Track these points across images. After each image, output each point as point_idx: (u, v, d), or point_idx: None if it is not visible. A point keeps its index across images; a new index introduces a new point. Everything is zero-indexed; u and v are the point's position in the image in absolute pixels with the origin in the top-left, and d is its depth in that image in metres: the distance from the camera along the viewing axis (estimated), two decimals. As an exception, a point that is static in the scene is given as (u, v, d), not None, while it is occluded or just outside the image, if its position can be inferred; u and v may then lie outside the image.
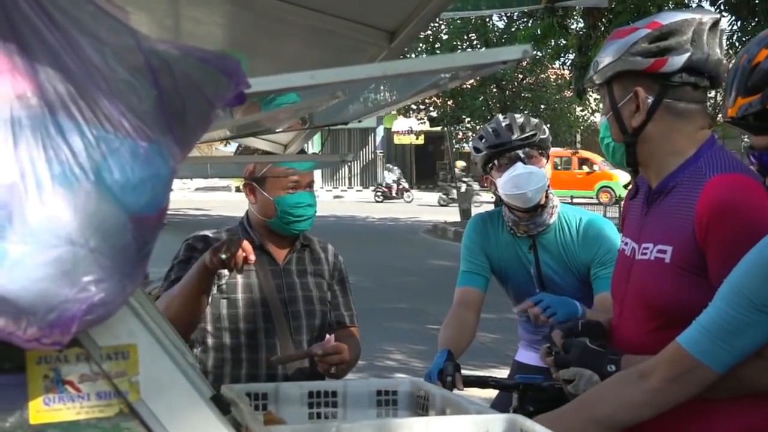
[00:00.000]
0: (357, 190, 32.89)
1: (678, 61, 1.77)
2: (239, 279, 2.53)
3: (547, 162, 2.90)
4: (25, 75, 0.95)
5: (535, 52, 16.17)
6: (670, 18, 1.81)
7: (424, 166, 36.21)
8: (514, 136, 2.82)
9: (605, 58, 1.84)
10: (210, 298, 2.49)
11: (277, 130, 2.57)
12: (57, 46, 0.98)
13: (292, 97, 1.85)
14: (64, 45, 0.98)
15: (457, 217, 19.94)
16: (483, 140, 2.91)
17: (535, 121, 2.93)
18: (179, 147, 1.05)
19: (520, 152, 2.82)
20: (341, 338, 2.55)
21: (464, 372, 2.64)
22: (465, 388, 2.59)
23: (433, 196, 30.53)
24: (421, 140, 34.52)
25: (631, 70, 1.80)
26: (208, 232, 2.60)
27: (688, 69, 1.78)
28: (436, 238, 18.40)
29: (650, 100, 1.80)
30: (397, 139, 34.92)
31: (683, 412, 1.70)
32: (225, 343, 2.53)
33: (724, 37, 1.89)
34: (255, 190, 2.60)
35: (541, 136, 2.87)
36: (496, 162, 2.87)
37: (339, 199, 27.93)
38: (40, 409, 1.07)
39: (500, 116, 2.95)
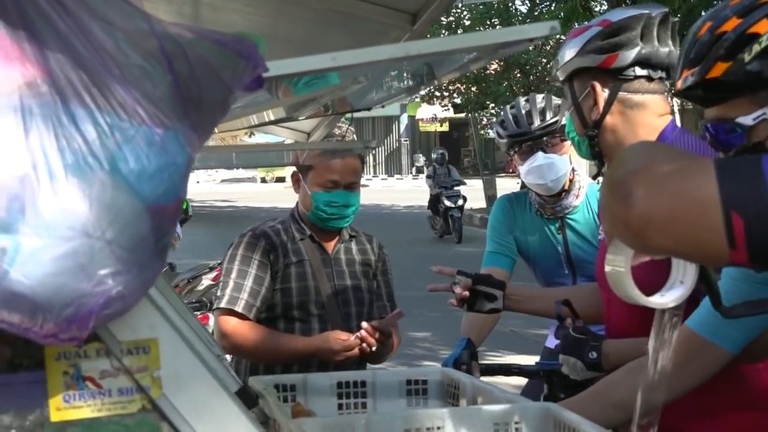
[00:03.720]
0: (382, 179, 32.88)
1: (628, 55, 1.85)
2: (293, 269, 2.56)
3: (570, 145, 2.83)
4: (35, 62, 0.92)
5: (558, 36, 16.01)
6: (619, 15, 1.90)
7: (449, 152, 36.04)
8: (534, 125, 2.75)
9: (565, 55, 1.92)
10: (264, 288, 2.52)
11: (300, 118, 2.53)
12: (68, 31, 0.94)
13: (324, 80, 1.81)
14: (75, 30, 0.94)
15: (482, 204, 19.82)
16: (504, 126, 2.85)
17: (557, 102, 2.84)
18: (196, 134, 1.01)
19: (541, 141, 2.76)
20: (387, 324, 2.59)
21: (486, 361, 2.60)
22: (489, 377, 2.57)
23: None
24: (445, 127, 34.36)
25: (587, 66, 1.88)
26: (266, 227, 2.62)
27: (639, 62, 1.86)
28: (463, 224, 18.31)
29: (606, 93, 1.88)
30: (422, 127, 34.80)
31: (687, 409, 1.68)
32: (279, 329, 2.55)
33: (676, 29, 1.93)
34: (299, 181, 2.64)
35: (563, 122, 2.80)
36: (517, 149, 2.81)
37: (364, 188, 27.83)
38: (61, 407, 1.04)
39: (522, 100, 2.86)
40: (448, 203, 15.26)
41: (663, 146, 1.01)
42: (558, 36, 16.52)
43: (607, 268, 1.01)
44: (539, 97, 2.84)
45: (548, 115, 2.76)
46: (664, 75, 1.90)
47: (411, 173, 34.37)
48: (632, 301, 1.02)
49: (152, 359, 1.06)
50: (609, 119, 1.89)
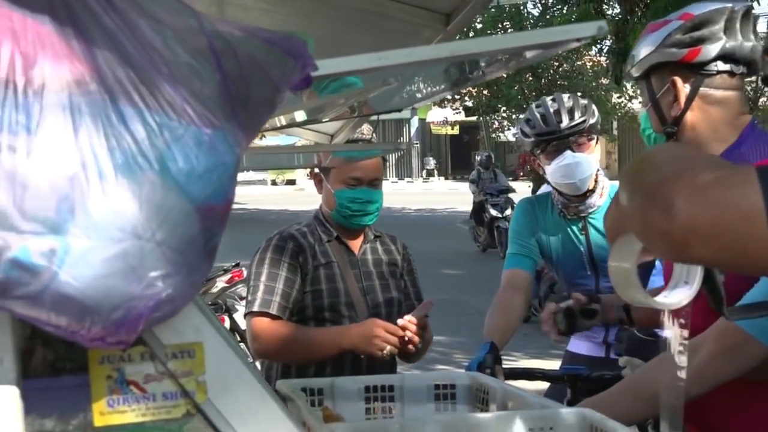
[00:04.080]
0: (392, 182, 32.87)
1: (712, 50, 1.80)
2: (322, 271, 2.55)
3: (596, 144, 2.81)
4: (84, 60, 0.90)
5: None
6: (701, 9, 1.85)
7: (460, 155, 36.02)
8: (563, 124, 2.73)
9: (642, 51, 1.87)
10: (295, 290, 2.51)
11: (324, 120, 2.51)
12: (116, 29, 0.92)
13: (347, 82, 1.79)
14: (123, 28, 0.93)
15: (494, 207, 19.76)
16: (530, 125, 2.82)
17: (583, 102, 2.82)
18: (244, 133, 0.99)
19: (569, 140, 2.74)
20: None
21: (510, 365, 2.58)
22: (513, 381, 2.54)
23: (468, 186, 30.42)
24: (456, 130, 34.33)
25: (667, 61, 1.83)
26: (292, 230, 2.60)
27: (722, 57, 1.81)
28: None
29: (687, 89, 1.83)
30: (433, 130, 34.78)
31: (726, 396, 1.66)
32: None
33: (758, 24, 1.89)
34: (321, 181, 2.64)
35: (591, 121, 2.77)
36: (544, 148, 2.79)
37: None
38: (104, 411, 1.02)
39: (548, 99, 2.84)
40: (493, 212, 13.58)
41: (694, 150, 0.98)
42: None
43: (611, 268, 0.98)
44: (566, 97, 2.82)
45: (576, 114, 2.74)
46: (745, 71, 1.85)
47: (421, 176, 34.39)
48: (637, 302, 1.00)
49: (197, 363, 1.04)
50: (689, 116, 1.84)
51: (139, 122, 0.91)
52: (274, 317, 2.48)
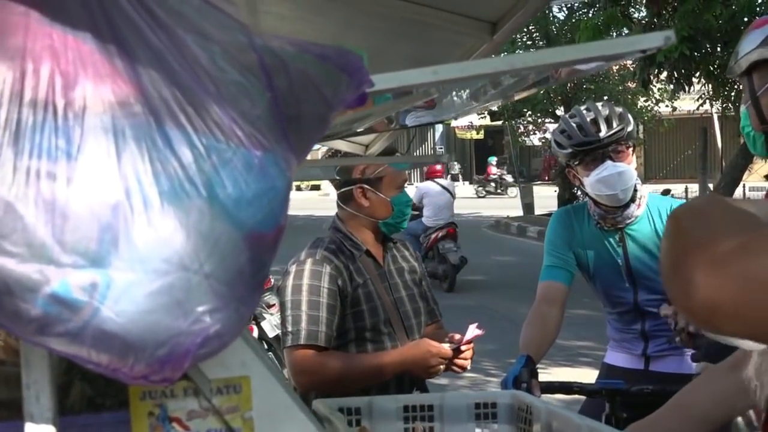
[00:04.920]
0: (417, 186, 32.82)
1: None
2: (360, 291, 2.48)
3: (633, 153, 2.73)
4: (127, 80, 0.84)
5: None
6: None
7: (485, 160, 35.87)
8: (602, 133, 2.64)
9: (744, 48, 1.79)
10: (336, 317, 2.44)
11: (360, 130, 2.45)
12: (160, 46, 0.87)
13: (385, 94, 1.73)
14: (168, 45, 0.87)
15: (519, 212, 19.64)
16: (566, 135, 2.73)
17: (619, 110, 2.72)
18: (295, 155, 0.93)
19: (608, 149, 2.65)
20: (437, 332, 2.59)
21: (547, 379, 2.51)
22: (549, 395, 2.48)
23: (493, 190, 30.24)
24: (481, 135, 34.21)
25: None
26: (323, 251, 2.50)
27: None
28: (499, 233, 18.15)
29: None
30: (458, 134, 34.65)
31: None
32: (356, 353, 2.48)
33: None
34: (367, 192, 2.55)
35: (628, 129, 2.68)
36: (581, 159, 2.70)
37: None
38: (146, 450, 0.96)
39: (582, 109, 2.75)
40: None
41: (724, 205, 0.88)
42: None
43: None
44: (600, 105, 2.73)
45: (614, 122, 2.65)
46: None
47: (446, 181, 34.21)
48: (724, 341, 0.92)
49: (243, 399, 0.97)
50: None
51: (186, 146, 0.85)
52: (321, 349, 2.39)
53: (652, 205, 2.76)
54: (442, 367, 2.42)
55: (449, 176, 34.48)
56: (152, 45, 0.87)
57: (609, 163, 2.65)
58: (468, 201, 26.12)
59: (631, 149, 2.71)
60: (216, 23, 0.89)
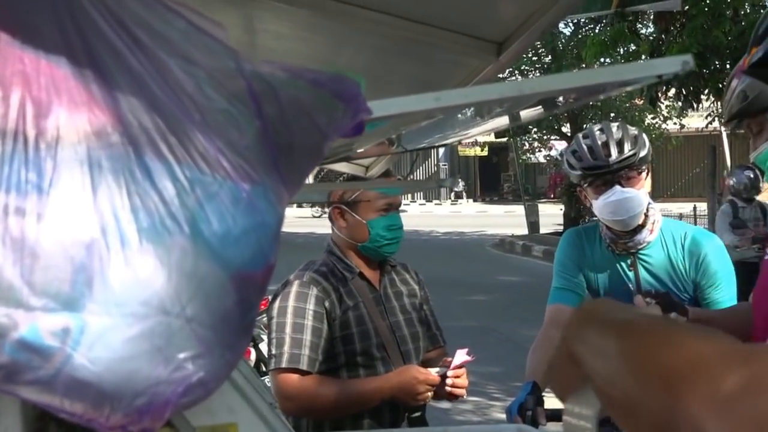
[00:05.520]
0: (420, 204, 32.72)
1: None
2: (350, 314, 2.41)
3: (646, 177, 2.66)
4: (105, 107, 0.79)
5: (603, 59, 15.72)
6: None
7: (489, 177, 35.84)
8: (612, 158, 2.57)
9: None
10: (323, 340, 2.37)
11: (359, 151, 2.39)
12: (142, 71, 0.81)
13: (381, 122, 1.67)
14: (150, 70, 0.81)
15: (524, 231, 19.54)
16: (577, 157, 2.67)
17: (633, 133, 2.66)
18: (286, 188, 0.87)
19: (618, 174, 2.59)
20: (437, 358, 2.50)
21: (555, 403, 2.44)
22: (556, 422, 2.40)
23: (497, 209, 30.14)
24: (485, 152, 34.16)
25: None
26: (312, 273, 2.44)
27: None
28: (504, 252, 18.04)
29: None
30: (462, 151, 34.62)
31: None
32: (343, 378, 2.40)
33: None
34: (345, 214, 2.49)
35: (641, 154, 2.61)
36: (591, 182, 2.64)
37: (402, 213, 27.74)
38: (126, 503, 0.89)
39: (596, 129, 2.69)
40: None
41: (664, 321, 0.77)
42: (604, 60, 16.23)
43: (566, 421, 0.80)
44: (615, 126, 2.66)
45: (626, 147, 2.59)
46: None
47: (450, 198, 34.25)
48: None
49: (231, 448, 0.91)
50: None
51: (168, 178, 0.79)
52: (304, 373, 2.32)
53: (666, 231, 2.69)
54: (429, 394, 2.33)
55: (453, 194, 34.52)
56: (133, 70, 0.81)
57: (618, 188, 2.58)
58: (473, 219, 26.02)
59: (643, 174, 2.63)
60: (202, 47, 0.83)
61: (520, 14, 1.52)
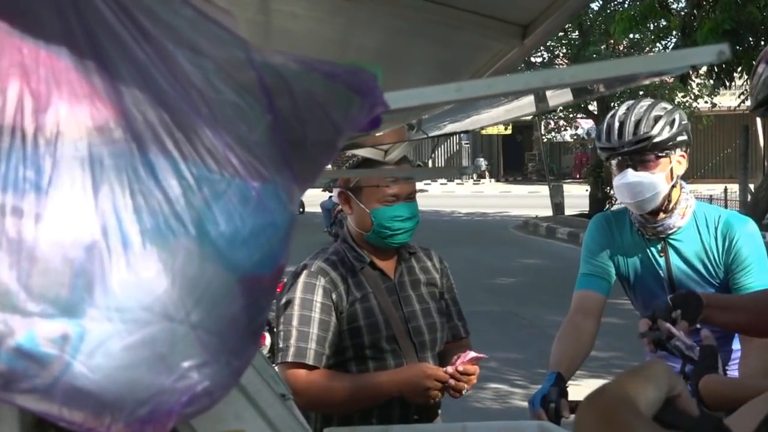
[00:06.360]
0: (441, 183, 32.56)
1: None
2: (358, 306, 2.33)
3: (671, 161, 2.56)
4: (108, 101, 0.74)
5: (633, 36, 15.47)
6: None
7: (512, 157, 35.59)
8: (624, 139, 2.51)
9: None
10: (331, 333, 2.31)
11: (378, 135, 2.34)
12: (147, 62, 0.76)
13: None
14: (156, 61, 0.77)
15: (549, 212, 19.38)
16: (597, 135, 2.65)
17: (657, 114, 2.51)
18: (298, 185, 0.82)
19: (632, 157, 2.53)
20: (459, 351, 2.38)
21: (578, 391, 2.40)
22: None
23: (521, 189, 29.93)
24: (509, 130, 33.89)
25: None
26: (320, 262, 2.37)
27: None
28: (528, 234, 17.90)
29: None
30: (485, 130, 34.39)
31: None
32: (351, 372, 2.33)
33: None
34: (350, 200, 2.40)
35: (659, 138, 2.51)
36: (612, 161, 2.60)
37: (423, 192, 27.56)
38: None
39: (622, 108, 2.60)
40: None
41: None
42: (633, 36, 15.95)
43: None
44: (641, 106, 2.54)
45: (642, 129, 2.50)
46: None
47: (472, 178, 34.05)
48: None
49: (239, 455, 0.87)
50: None
51: (173, 176, 0.75)
52: (310, 368, 2.27)
53: (699, 215, 2.62)
54: (438, 392, 2.25)
55: (475, 173, 34.31)
56: (137, 61, 0.76)
57: (629, 171, 2.53)
58: (495, 200, 25.87)
59: (664, 158, 2.54)
60: (211, 37, 0.79)
61: (546, -4, 1.45)
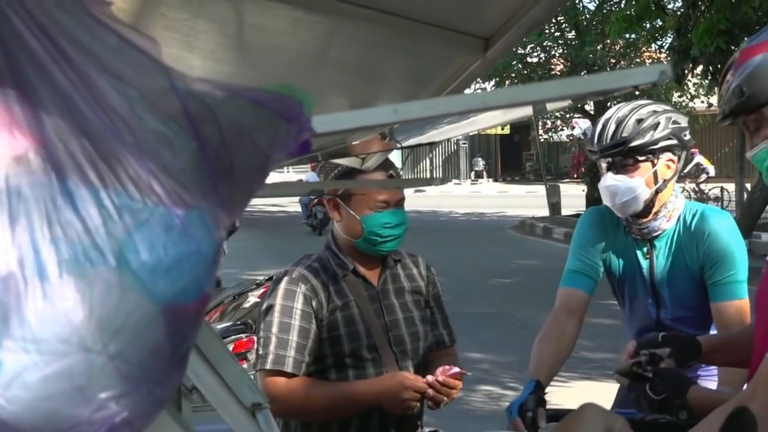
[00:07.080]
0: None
1: None
2: (338, 314, 2.33)
3: (653, 165, 2.54)
4: (27, 130, 0.74)
5: (629, 36, 15.45)
6: None
7: (510, 156, 35.59)
8: (602, 143, 2.52)
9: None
10: (311, 341, 2.30)
11: (355, 143, 2.34)
12: (70, 89, 0.76)
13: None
14: (78, 87, 0.76)
15: (545, 212, 19.37)
16: (590, 138, 2.67)
17: (638, 118, 2.49)
18: (225, 211, 0.82)
19: (611, 160, 2.54)
20: (443, 360, 2.39)
21: (567, 393, 2.40)
22: (556, 423, 2.36)
23: (518, 189, 29.93)
24: (506, 130, 33.88)
25: None
26: (302, 269, 2.37)
27: None
28: (524, 234, 17.91)
29: None
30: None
31: None
32: (331, 380, 2.33)
33: None
34: (339, 207, 2.39)
35: (636, 142, 2.48)
36: (599, 163, 2.63)
37: (420, 193, 27.61)
38: None
39: (612, 110, 2.58)
40: None
41: None
42: (629, 36, 15.93)
43: None
44: (627, 108, 2.53)
45: (620, 133, 2.50)
46: None
47: (470, 178, 34.08)
48: None
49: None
50: None
51: (93, 205, 0.75)
52: (289, 375, 2.26)
53: (685, 215, 2.61)
54: (417, 403, 2.25)
55: (473, 173, 34.32)
56: (60, 88, 0.76)
57: (609, 175, 2.55)
58: (493, 200, 25.86)
59: (643, 162, 2.53)
60: (134, 65, 0.79)
61: (504, 11, 1.46)
